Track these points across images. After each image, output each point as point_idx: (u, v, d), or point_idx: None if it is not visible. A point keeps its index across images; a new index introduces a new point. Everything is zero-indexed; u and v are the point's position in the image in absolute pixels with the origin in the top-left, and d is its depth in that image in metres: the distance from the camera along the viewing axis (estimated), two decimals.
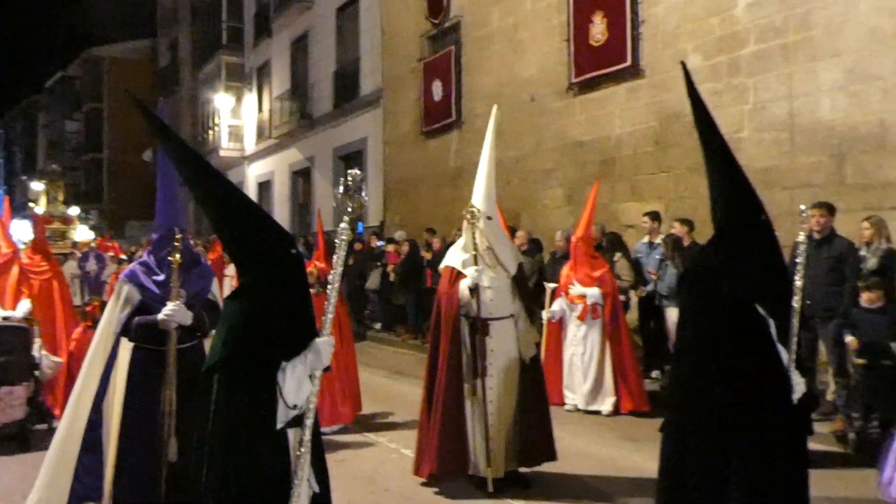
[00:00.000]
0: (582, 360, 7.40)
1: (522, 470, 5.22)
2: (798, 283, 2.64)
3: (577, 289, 7.39)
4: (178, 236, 4.07)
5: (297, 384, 2.53)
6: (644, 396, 7.29)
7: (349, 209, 2.58)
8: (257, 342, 2.59)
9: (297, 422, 2.63)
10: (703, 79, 8.91)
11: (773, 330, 2.62)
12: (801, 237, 2.64)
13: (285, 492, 2.62)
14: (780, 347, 2.63)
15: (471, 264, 5.10)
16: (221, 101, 24.72)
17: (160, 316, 3.93)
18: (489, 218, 5.19)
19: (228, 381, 2.62)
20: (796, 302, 2.60)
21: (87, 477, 3.99)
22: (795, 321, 2.61)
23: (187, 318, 4.01)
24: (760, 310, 2.62)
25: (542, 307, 7.59)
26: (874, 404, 5.78)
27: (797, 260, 2.67)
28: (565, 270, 7.64)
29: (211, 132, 25.78)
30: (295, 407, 2.56)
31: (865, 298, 5.88)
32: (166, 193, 4.25)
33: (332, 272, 2.60)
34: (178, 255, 3.99)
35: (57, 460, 4.03)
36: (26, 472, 5.44)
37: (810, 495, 2.75)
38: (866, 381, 5.84)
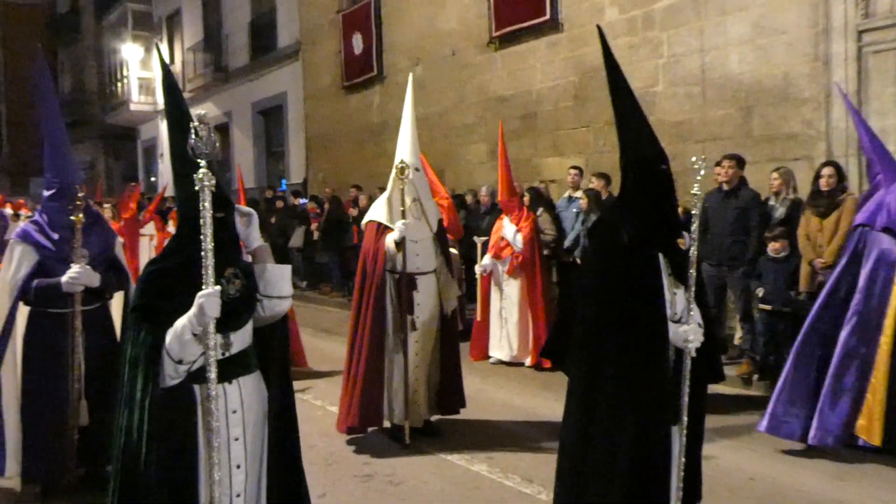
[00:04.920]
0: (506, 314, 7.53)
1: (437, 419, 5.38)
2: (695, 233, 2.74)
3: (507, 225, 7.48)
4: (81, 194, 3.89)
5: (178, 338, 2.45)
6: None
7: (202, 152, 2.47)
8: (154, 291, 2.53)
9: (200, 378, 2.52)
10: (619, 32, 9.02)
11: (670, 278, 2.73)
12: (696, 189, 2.73)
13: (191, 450, 2.54)
14: (681, 294, 2.75)
15: (398, 218, 5.09)
16: (129, 51, 23.52)
17: (64, 279, 3.76)
18: (417, 169, 5.21)
19: (133, 333, 2.54)
20: (692, 252, 2.71)
21: None
22: (693, 270, 2.72)
23: (94, 279, 3.86)
24: (661, 259, 2.73)
25: (474, 262, 7.69)
26: (773, 348, 6.14)
27: (693, 211, 2.77)
28: (494, 228, 7.70)
29: (120, 84, 24.55)
30: (181, 362, 2.47)
31: (772, 248, 6.16)
32: (55, 146, 4.02)
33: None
34: (80, 215, 3.82)
35: None
36: None
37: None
38: (769, 327, 6.17)
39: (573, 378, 2.75)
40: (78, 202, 3.84)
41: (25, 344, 3.94)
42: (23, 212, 13.50)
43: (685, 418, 2.73)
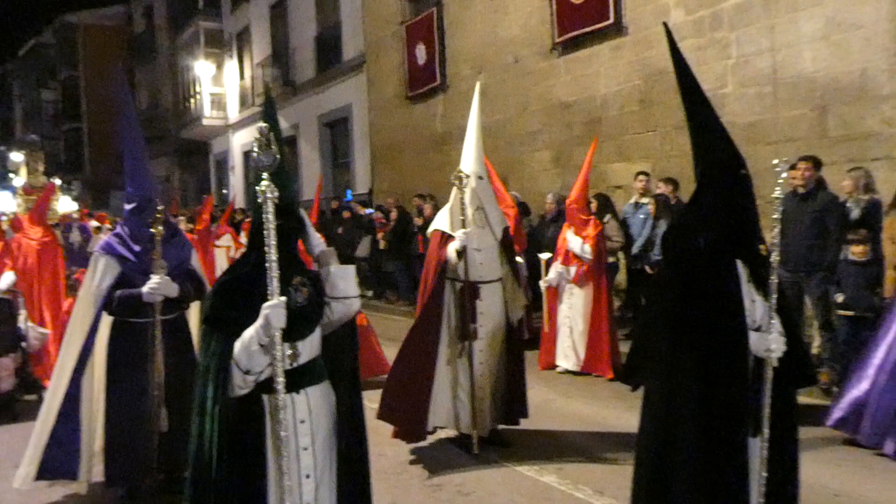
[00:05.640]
0: (572, 322, 7.45)
1: (506, 428, 5.33)
2: (775, 239, 2.64)
3: (571, 238, 7.40)
4: (161, 207, 4.04)
5: (245, 349, 2.49)
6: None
7: (265, 164, 2.50)
8: (224, 302, 2.59)
9: (268, 388, 2.55)
10: (685, 34, 8.84)
11: (749, 286, 2.65)
12: (777, 192, 2.64)
13: (261, 459, 2.57)
14: (760, 302, 2.66)
15: (459, 227, 5.09)
16: (201, 68, 24.30)
17: (145, 289, 3.90)
18: (480, 178, 5.18)
19: (205, 342, 2.60)
20: (774, 258, 2.61)
21: (59, 450, 3.97)
22: (774, 277, 2.62)
23: (173, 290, 3.99)
24: (739, 266, 2.64)
25: (539, 278, 7.62)
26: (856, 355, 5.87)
27: (774, 216, 2.67)
28: (562, 236, 7.60)
29: (193, 101, 25.39)
30: (249, 372, 2.49)
31: (854, 251, 5.90)
32: (135, 162, 4.18)
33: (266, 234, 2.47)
34: (160, 227, 3.96)
35: (39, 435, 4.03)
36: (14, 444, 5.45)
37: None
38: (851, 333, 5.91)
39: (650, 390, 2.68)
40: (157, 215, 3.99)
41: (109, 353, 4.10)
42: (105, 224, 14.10)
43: (766, 430, 2.63)
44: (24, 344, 6.61)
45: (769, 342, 2.59)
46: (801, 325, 6.58)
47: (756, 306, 2.65)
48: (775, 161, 2.66)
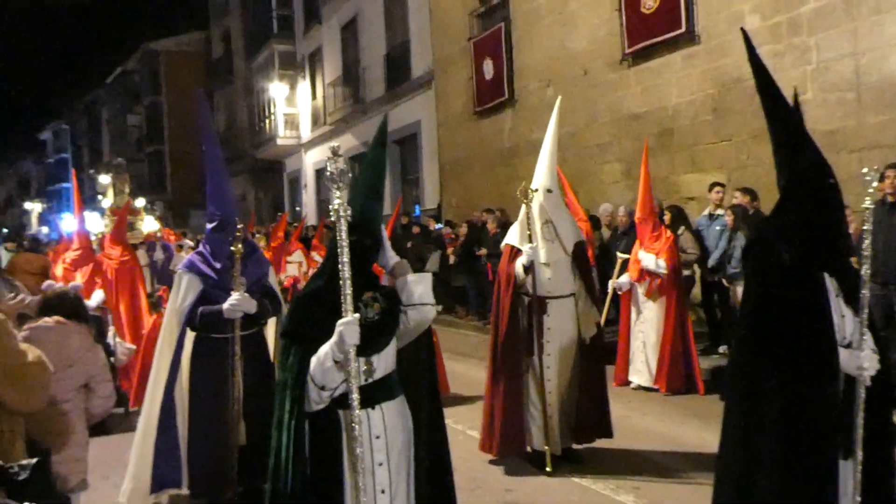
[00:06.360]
0: (644, 337, 7.29)
1: (580, 447, 5.24)
2: (866, 251, 2.52)
3: (643, 256, 7.27)
4: (240, 226, 4.18)
5: (320, 365, 2.52)
6: (695, 376, 7.13)
7: (339, 184, 2.54)
8: (301, 317, 2.65)
9: (344, 403, 2.58)
10: (762, 40, 8.58)
11: (837, 300, 2.52)
12: (868, 202, 2.51)
13: (336, 474, 2.60)
14: (850, 317, 2.53)
15: (526, 241, 5.07)
16: (276, 89, 25.03)
17: (225, 306, 4.03)
18: (549, 191, 5.14)
19: (283, 357, 2.67)
20: (865, 271, 2.49)
21: (164, 462, 4.13)
22: (866, 291, 2.50)
23: (252, 306, 4.10)
24: (827, 280, 2.52)
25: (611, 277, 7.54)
26: None
27: (864, 227, 2.54)
28: (634, 254, 7.46)
29: (268, 121, 26.17)
30: (324, 388, 2.53)
31: None
32: (216, 183, 4.33)
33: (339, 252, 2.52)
34: (239, 245, 4.09)
35: (141, 448, 4.19)
36: (105, 455, 5.69)
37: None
38: None
39: (731, 410, 2.58)
40: (237, 234, 4.12)
41: (191, 368, 4.24)
42: (185, 242, 14.66)
43: (860, 452, 2.50)
44: (112, 359, 6.91)
45: (861, 360, 2.45)
46: (892, 342, 6.26)
47: (846, 322, 2.52)
48: (865, 170, 2.54)
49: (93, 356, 3.46)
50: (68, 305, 3.41)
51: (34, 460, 1.49)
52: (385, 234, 2.89)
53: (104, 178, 40.81)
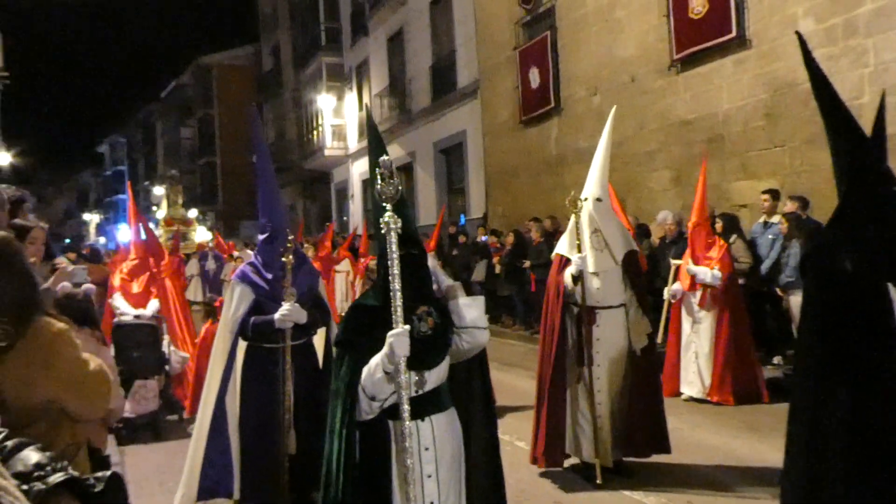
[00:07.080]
0: (697, 347, 7.16)
1: (634, 460, 5.15)
2: None
3: (691, 267, 7.15)
4: (291, 237, 4.25)
5: (371, 376, 2.54)
6: (756, 386, 6.96)
7: (387, 196, 2.55)
8: (354, 327, 2.67)
9: (395, 414, 2.59)
10: (816, 44, 8.37)
11: None
12: None
13: (385, 485, 2.61)
14: None
15: (575, 251, 5.03)
16: (324, 101, 25.40)
17: (277, 316, 4.09)
18: (599, 200, 5.10)
19: (336, 366, 2.70)
20: None
21: (213, 470, 4.18)
22: None
23: (302, 316, 4.16)
24: (891, 290, 2.43)
25: (659, 309, 7.39)
26: None
27: None
28: (685, 262, 7.32)
29: (315, 132, 26.56)
30: (374, 398, 2.54)
31: None
32: (268, 195, 4.41)
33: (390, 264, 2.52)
34: (291, 256, 4.16)
35: (194, 456, 4.26)
36: (160, 461, 5.84)
37: None
38: None
39: (795, 430, 2.49)
40: (289, 244, 4.19)
41: (242, 377, 4.31)
42: (235, 252, 14.96)
43: None
44: (167, 367, 7.09)
45: None
46: None
47: None
48: None
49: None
50: (76, 307, 3.44)
51: (108, 472, 1.51)
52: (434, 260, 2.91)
53: (158, 190, 41.97)
